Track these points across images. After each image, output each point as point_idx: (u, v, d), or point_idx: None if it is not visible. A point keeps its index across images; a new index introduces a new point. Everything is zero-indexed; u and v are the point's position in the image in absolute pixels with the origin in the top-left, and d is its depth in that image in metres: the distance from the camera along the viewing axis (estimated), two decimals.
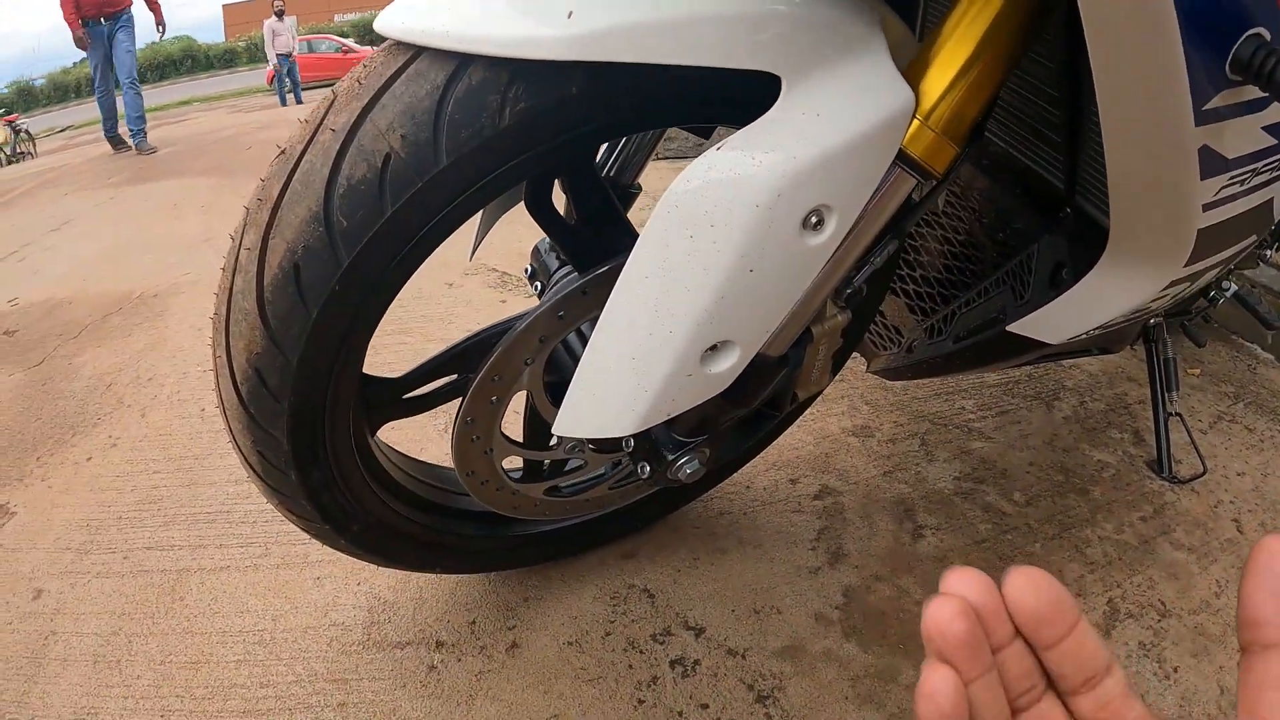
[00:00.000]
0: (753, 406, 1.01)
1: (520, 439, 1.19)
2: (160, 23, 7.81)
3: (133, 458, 1.99)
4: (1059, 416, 1.80)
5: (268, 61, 15.72)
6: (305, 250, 0.79)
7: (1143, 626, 1.29)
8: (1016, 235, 1.13)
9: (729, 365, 0.83)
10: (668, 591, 1.40)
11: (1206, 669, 1.22)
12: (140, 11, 7.53)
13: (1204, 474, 1.59)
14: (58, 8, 6.87)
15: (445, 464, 1.33)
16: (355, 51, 23.30)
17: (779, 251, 0.75)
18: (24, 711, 1.30)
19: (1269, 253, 1.74)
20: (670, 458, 1.02)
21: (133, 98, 7.37)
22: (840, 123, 0.73)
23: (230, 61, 40.36)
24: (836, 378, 1.54)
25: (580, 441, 1.14)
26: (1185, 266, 0.88)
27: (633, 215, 1.17)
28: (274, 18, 14.63)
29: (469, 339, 1.12)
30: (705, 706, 1.20)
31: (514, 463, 1.18)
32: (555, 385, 1.07)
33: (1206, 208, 0.79)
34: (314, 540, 1.14)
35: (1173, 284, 0.93)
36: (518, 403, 1.09)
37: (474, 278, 2.81)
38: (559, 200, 1.03)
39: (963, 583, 0.39)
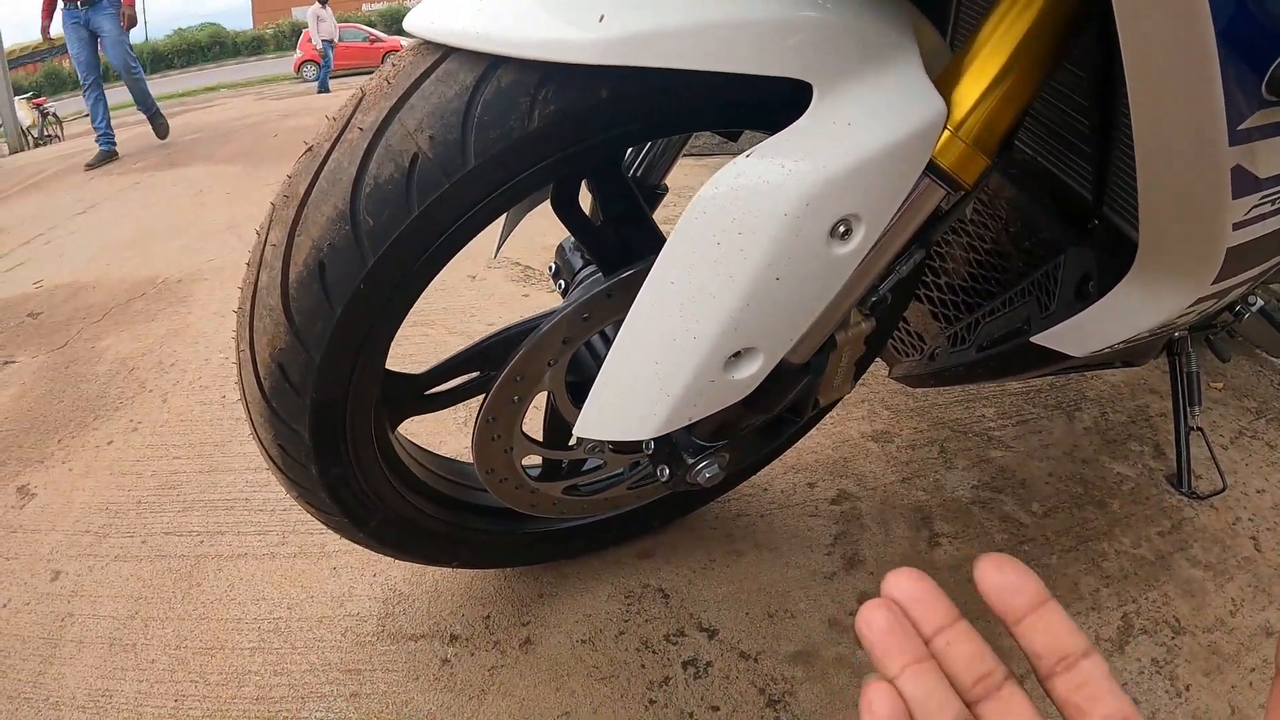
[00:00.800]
0: (774, 413, 1.01)
1: (539, 437, 1.19)
2: (128, 17, 6.56)
3: (153, 443, 2.01)
4: (1080, 427, 1.79)
5: (297, 50, 15.77)
6: (331, 248, 0.80)
7: (1156, 643, 1.28)
8: (1043, 245, 1.12)
9: (752, 372, 0.83)
10: (682, 592, 1.40)
11: (1219, 688, 1.21)
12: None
13: (1223, 490, 1.57)
14: None
15: (463, 459, 1.34)
16: (382, 41, 23.38)
17: (806, 260, 0.75)
18: (39, 692, 1.32)
19: None
20: (690, 461, 1.02)
21: (133, 84, 6.76)
22: (871, 133, 0.73)
23: (258, 49, 40.54)
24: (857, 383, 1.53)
25: (600, 443, 1.14)
26: (1213, 284, 0.87)
27: (657, 214, 1.17)
28: (317, 4, 14.68)
29: (491, 337, 1.12)
30: (716, 709, 1.20)
31: (531, 460, 1.19)
32: (576, 386, 1.07)
33: (1236, 226, 0.78)
34: (332, 532, 1.15)
35: (1199, 301, 0.92)
36: (536, 401, 1.09)
37: (496, 271, 2.82)
38: (584, 199, 1.03)
39: (896, 582, 0.41)
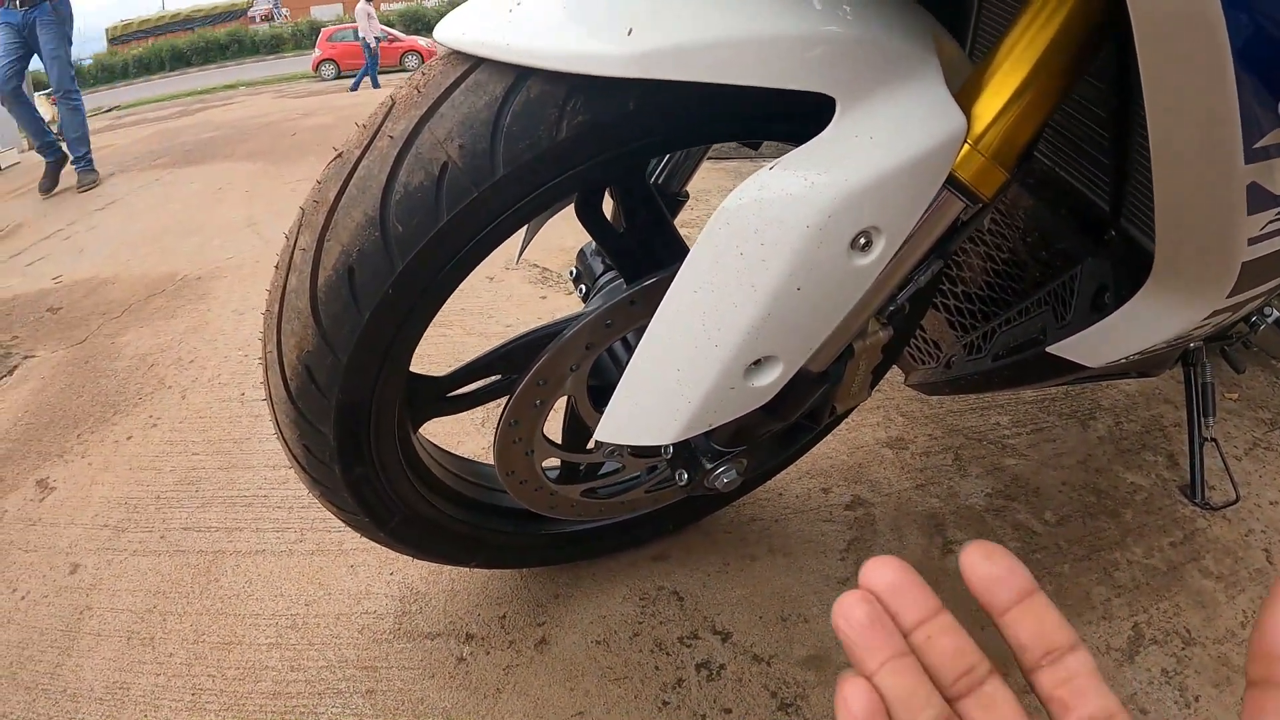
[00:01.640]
0: (792, 420, 1.02)
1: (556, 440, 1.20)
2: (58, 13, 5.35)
3: (172, 438, 2.03)
4: (1094, 436, 1.79)
5: (315, 49, 15.86)
6: (360, 253, 0.81)
7: (1166, 653, 1.28)
8: (1060, 256, 1.13)
9: (772, 380, 0.84)
10: (697, 595, 1.41)
11: (1228, 699, 1.21)
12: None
13: (1236, 501, 1.57)
14: None
15: (482, 460, 1.35)
16: (400, 40, 23.42)
17: (827, 271, 0.76)
18: (56, 683, 1.34)
19: None
20: (708, 466, 1.04)
21: (68, 114, 5.67)
22: (893, 147, 0.74)
23: (276, 47, 40.67)
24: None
25: (620, 447, 1.15)
26: (1228, 297, 0.88)
27: (678, 221, 1.18)
28: (364, 1, 14.78)
29: (512, 341, 1.14)
30: (728, 711, 1.21)
31: (549, 463, 1.20)
32: (597, 390, 1.08)
33: (1252, 241, 0.79)
34: (350, 529, 1.16)
35: (1215, 314, 0.93)
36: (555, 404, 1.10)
37: (515, 273, 2.84)
38: (607, 206, 1.04)
39: (875, 571, 0.40)
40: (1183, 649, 1.29)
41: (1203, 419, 1.57)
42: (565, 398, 1.10)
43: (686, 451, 1.07)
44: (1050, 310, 1.13)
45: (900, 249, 0.81)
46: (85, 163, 5.72)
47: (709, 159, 4.06)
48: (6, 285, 3.46)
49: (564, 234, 2.73)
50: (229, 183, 5.02)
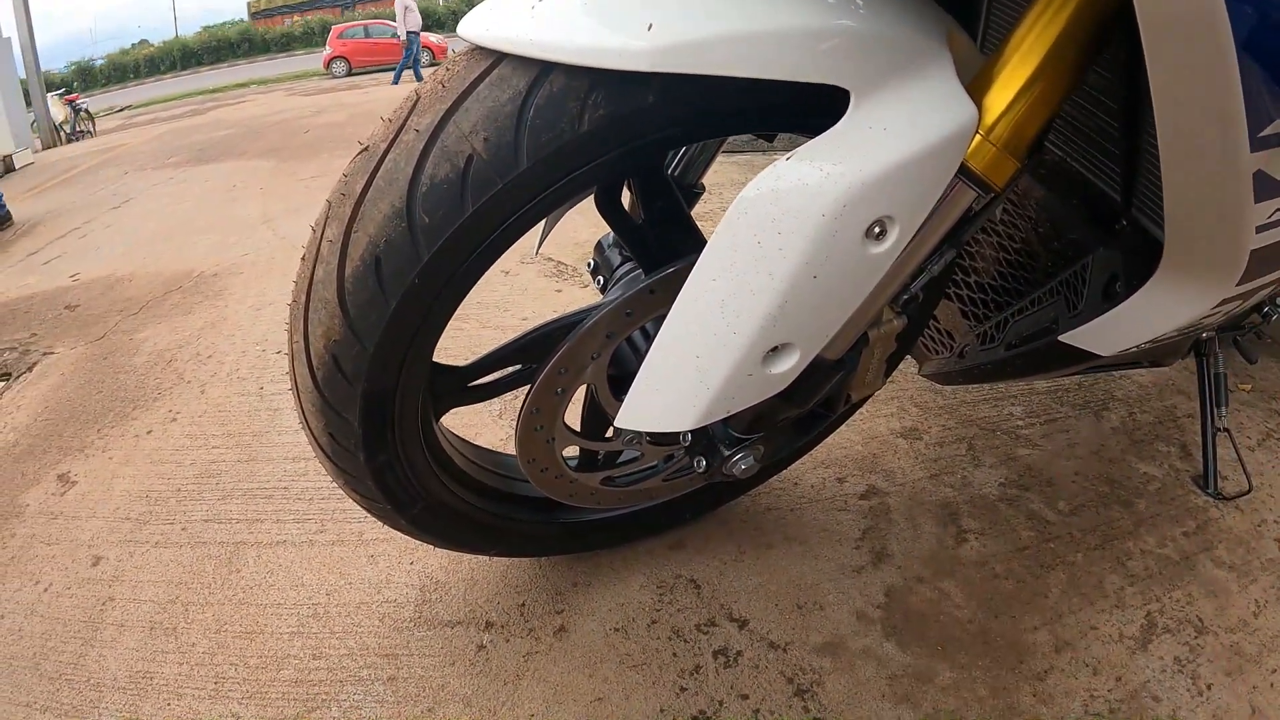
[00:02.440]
0: (808, 407, 1.04)
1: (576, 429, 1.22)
2: None
3: (192, 432, 2.05)
4: (1107, 426, 1.80)
5: (326, 46, 15.80)
6: (387, 244, 0.83)
7: (1179, 642, 1.29)
8: (1071, 245, 1.14)
9: (789, 367, 0.86)
10: (713, 583, 1.42)
11: (1240, 688, 1.22)
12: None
13: (1249, 491, 1.58)
14: None
15: (502, 450, 1.37)
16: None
17: (842, 260, 0.78)
18: (80, 673, 1.36)
19: None
20: (726, 453, 1.05)
21: None
22: (906, 138, 0.75)
23: (287, 45, 40.69)
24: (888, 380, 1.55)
25: (639, 434, 1.17)
26: (1237, 285, 0.89)
27: (693, 213, 1.20)
28: None
29: (532, 332, 1.15)
30: (745, 697, 1.23)
31: (568, 451, 1.21)
32: (616, 379, 1.10)
33: (1260, 229, 0.80)
34: (370, 519, 1.18)
35: (1225, 301, 0.94)
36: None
37: (530, 266, 2.85)
38: (624, 200, 1.06)
39: None
40: (1195, 638, 1.30)
41: (1215, 409, 1.57)
42: (585, 387, 1.11)
43: (705, 438, 1.08)
44: (1062, 299, 1.14)
45: (914, 238, 0.82)
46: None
47: (722, 152, 4.07)
48: (24, 283, 3.50)
49: (578, 227, 2.76)
50: (242, 180, 5.05)
